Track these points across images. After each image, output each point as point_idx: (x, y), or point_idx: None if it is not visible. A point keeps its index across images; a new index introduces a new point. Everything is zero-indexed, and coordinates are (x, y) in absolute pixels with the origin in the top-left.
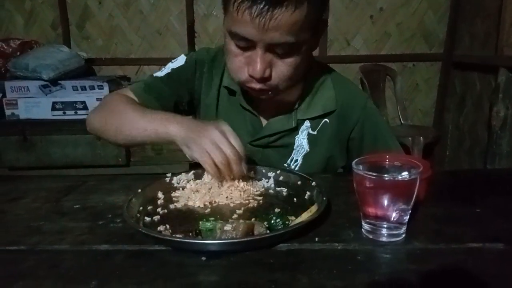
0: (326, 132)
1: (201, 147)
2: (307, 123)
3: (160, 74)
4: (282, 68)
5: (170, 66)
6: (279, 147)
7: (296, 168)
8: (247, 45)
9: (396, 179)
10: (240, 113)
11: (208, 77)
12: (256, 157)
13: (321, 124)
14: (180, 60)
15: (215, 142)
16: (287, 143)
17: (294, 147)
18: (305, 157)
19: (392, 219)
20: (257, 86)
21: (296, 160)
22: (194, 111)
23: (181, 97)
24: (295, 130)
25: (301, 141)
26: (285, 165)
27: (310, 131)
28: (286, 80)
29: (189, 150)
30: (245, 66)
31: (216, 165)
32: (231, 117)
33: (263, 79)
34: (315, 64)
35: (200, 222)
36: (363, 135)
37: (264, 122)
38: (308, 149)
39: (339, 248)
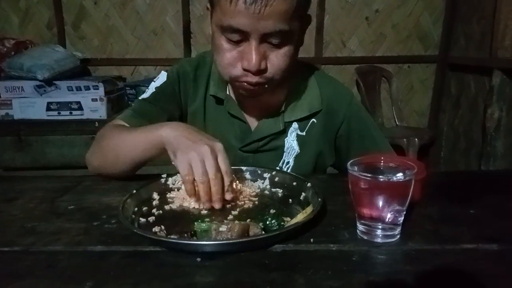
0: (314, 131)
1: (186, 159)
2: (295, 125)
3: (145, 95)
4: (276, 59)
5: (153, 86)
6: (270, 150)
7: (288, 170)
8: (240, 38)
9: (391, 180)
10: (228, 121)
11: (193, 87)
12: (248, 162)
13: (309, 125)
14: (162, 78)
15: (203, 158)
16: (277, 146)
17: (285, 150)
18: (296, 158)
19: (387, 220)
20: (253, 79)
21: (288, 162)
22: None
23: (172, 113)
24: (283, 132)
25: (291, 142)
26: (277, 168)
27: (299, 132)
28: (281, 71)
29: (175, 158)
30: (238, 61)
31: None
32: (219, 125)
33: (259, 72)
34: (299, 64)
35: (195, 223)
36: (349, 132)
37: (252, 127)
38: (299, 150)
39: (334, 249)
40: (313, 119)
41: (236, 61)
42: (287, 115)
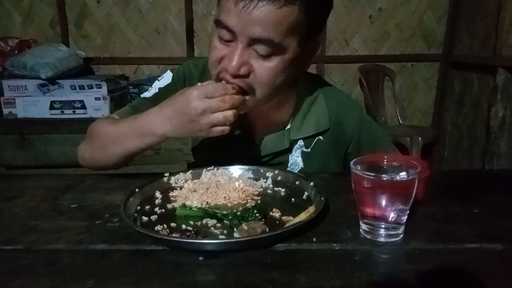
0: (320, 149)
1: (203, 130)
2: (300, 142)
3: (147, 94)
4: (260, 71)
5: (157, 86)
6: (273, 165)
7: None
8: (230, 37)
9: (394, 179)
10: (233, 132)
11: None
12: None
13: (314, 142)
14: (167, 78)
15: (209, 117)
16: (281, 161)
17: (289, 165)
18: (300, 172)
19: (390, 219)
20: (230, 80)
21: None
22: None
23: None
24: (288, 150)
25: (295, 159)
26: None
27: (304, 149)
28: (264, 86)
29: (197, 138)
30: (223, 60)
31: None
32: (224, 136)
33: (237, 76)
34: (306, 78)
35: (177, 209)
36: (360, 147)
37: (257, 141)
38: (303, 166)
39: (337, 248)
40: (319, 137)
41: (221, 59)
42: (293, 133)
